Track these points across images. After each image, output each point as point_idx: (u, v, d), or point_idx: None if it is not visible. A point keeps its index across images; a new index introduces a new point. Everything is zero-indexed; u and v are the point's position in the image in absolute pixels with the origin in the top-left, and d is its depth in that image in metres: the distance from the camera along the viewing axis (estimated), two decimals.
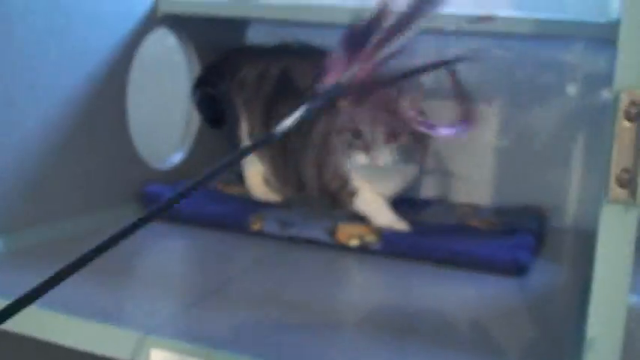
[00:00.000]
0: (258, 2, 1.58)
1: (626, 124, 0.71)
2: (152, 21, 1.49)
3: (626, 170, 0.71)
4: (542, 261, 1.35)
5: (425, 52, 1.59)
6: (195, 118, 1.68)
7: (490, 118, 1.70)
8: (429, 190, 1.73)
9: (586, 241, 1.45)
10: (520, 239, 1.36)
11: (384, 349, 0.93)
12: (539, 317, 1.07)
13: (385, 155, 1.34)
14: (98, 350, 0.95)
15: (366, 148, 1.34)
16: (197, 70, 1.65)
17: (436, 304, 1.11)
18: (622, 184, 0.71)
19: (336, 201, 1.46)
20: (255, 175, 1.61)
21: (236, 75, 1.59)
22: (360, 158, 1.35)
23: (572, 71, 1.63)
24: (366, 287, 1.22)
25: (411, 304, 1.11)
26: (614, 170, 0.72)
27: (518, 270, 1.25)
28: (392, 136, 1.33)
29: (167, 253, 1.32)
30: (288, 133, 1.48)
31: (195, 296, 1.08)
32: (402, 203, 1.58)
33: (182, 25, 1.59)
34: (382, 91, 1.05)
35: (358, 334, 0.98)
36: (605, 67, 1.59)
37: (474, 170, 1.71)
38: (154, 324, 0.95)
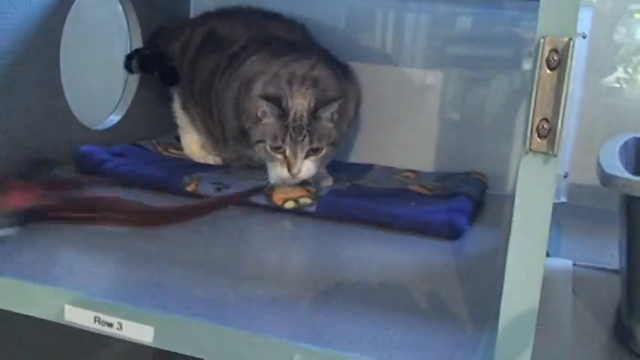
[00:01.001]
0: None
1: (547, 72, 0.70)
2: None
3: (545, 120, 0.70)
4: (478, 226, 1.34)
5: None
6: (133, 80, 1.64)
7: (434, 86, 1.69)
8: (371, 156, 1.72)
9: None
10: (457, 203, 1.35)
11: (307, 308, 0.91)
12: (470, 278, 1.07)
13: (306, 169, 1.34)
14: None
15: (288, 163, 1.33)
16: (137, 32, 1.61)
17: (368, 265, 1.10)
18: (541, 134, 0.70)
19: None
20: (193, 142, 1.61)
21: (166, 51, 1.60)
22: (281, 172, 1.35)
23: (512, 38, 1.63)
24: (297, 249, 1.20)
25: (342, 265, 1.10)
26: (534, 120, 0.71)
27: (453, 234, 1.25)
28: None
29: None
30: (211, 103, 1.50)
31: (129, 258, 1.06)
32: (342, 167, 1.57)
33: None
34: None
35: (282, 292, 0.96)
36: None
37: (416, 138, 1.70)
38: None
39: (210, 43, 1.55)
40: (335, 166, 1.52)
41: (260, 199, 1.32)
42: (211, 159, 1.57)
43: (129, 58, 1.61)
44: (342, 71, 1.48)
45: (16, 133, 1.33)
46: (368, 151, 1.72)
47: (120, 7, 1.61)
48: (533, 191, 0.71)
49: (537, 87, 0.70)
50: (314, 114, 1.31)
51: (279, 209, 1.31)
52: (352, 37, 1.74)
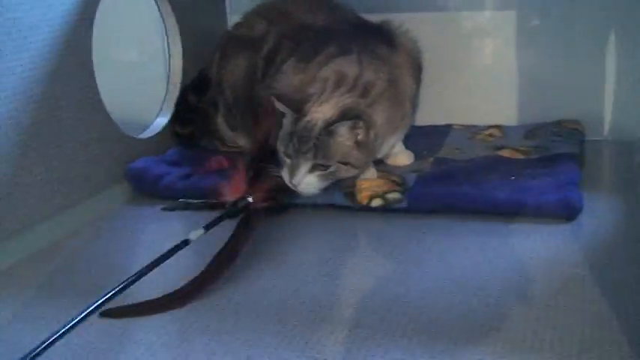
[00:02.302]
0: None
1: None
2: None
3: None
4: (589, 191, 1.16)
5: None
6: (177, 73, 1.48)
7: (508, 28, 1.50)
8: (447, 115, 1.54)
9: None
10: (564, 172, 1.19)
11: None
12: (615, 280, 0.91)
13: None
14: None
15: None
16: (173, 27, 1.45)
17: (490, 272, 0.95)
18: None
19: None
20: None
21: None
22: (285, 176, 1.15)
23: None
24: (406, 255, 1.04)
25: (459, 278, 0.94)
26: None
27: (570, 214, 1.09)
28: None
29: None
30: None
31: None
32: (417, 131, 1.40)
33: None
34: None
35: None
36: None
37: (495, 88, 1.52)
38: None
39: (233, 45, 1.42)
40: (412, 132, 1.35)
41: (340, 199, 1.17)
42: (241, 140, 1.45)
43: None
44: (389, 44, 1.29)
45: (61, 161, 1.19)
46: (444, 111, 1.54)
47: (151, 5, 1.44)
48: None
49: None
50: (326, 127, 1.12)
51: (364, 209, 1.16)
52: None
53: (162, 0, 1.44)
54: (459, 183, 1.17)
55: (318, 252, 1.07)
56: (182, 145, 1.44)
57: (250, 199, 1.06)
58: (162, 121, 1.45)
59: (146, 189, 1.28)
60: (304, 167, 1.12)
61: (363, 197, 1.16)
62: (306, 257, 1.05)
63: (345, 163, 1.14)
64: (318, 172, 1.13)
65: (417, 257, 1.01)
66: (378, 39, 1.29)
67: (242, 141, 1.45)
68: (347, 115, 1.12)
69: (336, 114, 1.12)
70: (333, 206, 1.18)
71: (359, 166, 1.16)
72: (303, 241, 1.11)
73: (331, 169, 1.13)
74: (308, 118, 1.13)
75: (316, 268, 1.00)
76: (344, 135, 1.13)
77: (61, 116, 1.18)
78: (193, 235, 0.98)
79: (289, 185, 1.13)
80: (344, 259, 1.04)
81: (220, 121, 1.47)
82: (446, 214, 1.13)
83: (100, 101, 1.26)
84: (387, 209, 1.15)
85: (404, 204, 1.15)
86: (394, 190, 1.17)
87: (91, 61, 1.24)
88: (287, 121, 1.15)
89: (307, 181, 1.13)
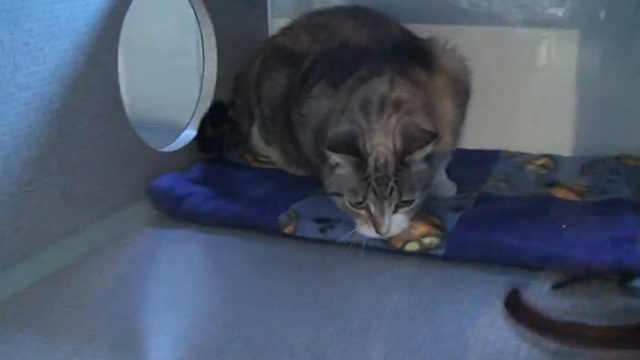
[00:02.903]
0: None
1: None
2: None
3: None
4: None
5: None
6: (211, 81, 1.39)
7: (569, 49, 1.38)
8: (497, 140, 1.43)
9: None
10: (621, 225, 1.08)
11: None
12: None
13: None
14: None
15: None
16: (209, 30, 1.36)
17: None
18: None
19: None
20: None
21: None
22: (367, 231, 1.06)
23: None
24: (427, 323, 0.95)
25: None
26: None
27: (623, 277, 0.98)
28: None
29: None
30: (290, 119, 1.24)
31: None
32: (463, 156, 1.30)
33: None
34: None
35: None
36: None
37: (550, 114, 1.40)
38: None
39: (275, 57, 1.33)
40: (456, 157, 1.25)
41: (373, 240, 1.07)
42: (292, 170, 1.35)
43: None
44: (428, 66, 1.18)
45: (85, 176, 1.13)
46: (492, 134, 1.43)
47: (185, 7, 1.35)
48: None
49: None
50: (402, 160, 1.03)
51: (398, 252, 1.07)
52: None
53: (197, 1, 1.35)
54: (505, 230, 1.07)
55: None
56: (208, 160, 1.36)
57: None
58: (191, 133, 1.36)
59: (168, 209, 1.21)
60: (389, 210, 1.03)
61: (397, 240, 1.07)
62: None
63: (425, 188, 1.05)
64: (403, 209, 1.04)
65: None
66: (416, 61, 1.19)
67: (275, 156, 1.36)
68: (412, 137, 1.03)
69: (399, 141, 1.03)
70: (364, 247, 1.08)
71: (432, 182, 1.09)
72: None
73: (417, 201, 1.05)
74: (373, 156, 1.03)
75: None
76: (419, 159, 1.04)
77: (80, 131, 1.10)
78: None
79: (375, 236, 1.04)
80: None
81: (255, 132, 1.39)
82: (487, 265, 1.03)
83: (122, 115, 1.18)
84: (423, 254, 1.06)
85: (441, 251, 1.05)
86: (432, 235, 1.07)
87: (115, 72, 1.16)
88: (348, 170, 1.05)
89: (397, 223, 1.04)
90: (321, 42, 1.29)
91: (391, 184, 1.02)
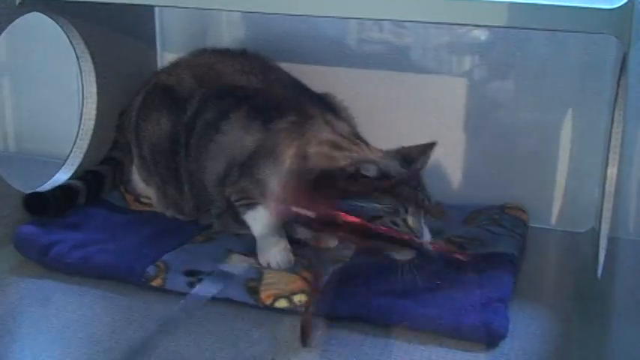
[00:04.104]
0: None
1: None
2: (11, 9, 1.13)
3: None
4: (522, 298, 1.06)
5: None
6: (90, 119, 1.34)
7: (458, 96, 1.38)
8: None
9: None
10: (495, 286, 1.06)
11: None
12: None
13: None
14: None
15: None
16: (87, 57, 1.30)
17: None
18: None
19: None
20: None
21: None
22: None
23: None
24: None
25: None
26: None
27: (491, 340, 0.97)
28: None
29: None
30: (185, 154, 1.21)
31: None
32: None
33: (58, 9, 1.23)
34: None
35: None
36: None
37: (438, 161, 1.40)
38: None
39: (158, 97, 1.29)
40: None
41: (240, 294, 1.04)
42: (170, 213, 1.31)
43: None
44: (336, 116, 1.21)
45: None
46: None
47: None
48: None
49: None
50: (412, 164, 1.09)
51: (267, 309, 1.04)
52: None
53: (72, 33, 1.29)
54: (377, 287, 1.05)
55: None
56: (82, 203, 1.30)
57: None
58: (62, 177, 1.30)
59: (34, 258, 1.15)
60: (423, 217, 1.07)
61: (266, 297, 1.04)
62: None
63: None
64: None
65: None
66: (326, 108, 1.22)
67: (153, 197, 1.32)
68: (404, 156, 1.11)
69: (398, 156, 1.10)
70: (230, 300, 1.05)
71: None
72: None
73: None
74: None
75: None
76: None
77: None
78: None
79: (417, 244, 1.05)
80: None
81: (134, 172, 1.34)
82: (356, 324, 1.01)
83: None
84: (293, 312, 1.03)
85: (312, 308, 1.02)
86: (303, 291, 1.04)
87: None
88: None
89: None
90: (206, 86, 1.26)
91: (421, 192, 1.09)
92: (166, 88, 1.29)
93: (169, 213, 1.30)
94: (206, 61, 1.32)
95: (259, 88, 1.24)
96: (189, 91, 1.26)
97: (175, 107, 1.26)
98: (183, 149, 1.24)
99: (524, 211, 1.32)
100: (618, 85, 1.11)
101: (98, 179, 1.33)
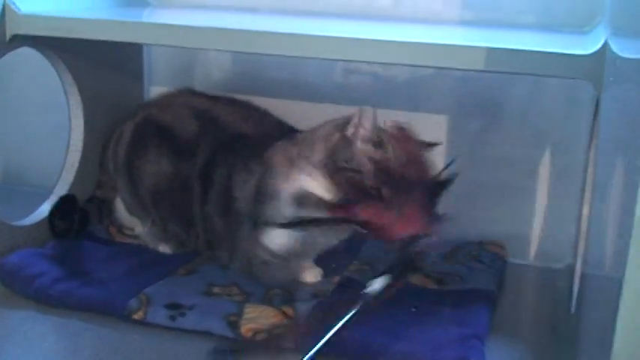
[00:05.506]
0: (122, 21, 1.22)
1: None
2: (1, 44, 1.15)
3: None
4: (498, 336, 1.08)
5: None
6: (77, 150, 1.36)
7: (438, 133, 1.41)
8: None
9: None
10: (471, 323, 1.08)
11: None
12: None
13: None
14: None
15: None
16: (74, 90, 1.32)
17: None
18: None
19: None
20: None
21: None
22: None
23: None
24: None
25: None
26: None
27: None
28: None
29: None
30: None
31: None
32: None
33: (47, 44, 1.25)
34: None
35: None
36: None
37: None
38: None
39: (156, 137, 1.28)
40: None
41: (220, 328, 1.06)
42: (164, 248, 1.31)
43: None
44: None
45: None
46: None
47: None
48: None
49: None
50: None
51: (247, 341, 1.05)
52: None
53: (61, 67, 1.31)
54: (352, 324, 1.06)
55: None
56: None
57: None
58: (48, 208, 1.32)
59: (18, 290, 1.16)
60: None
61: (246, 330, 1.05)
62: None
63: None
64: None
65: None
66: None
67: (139, 229, 1.33)
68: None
69: None
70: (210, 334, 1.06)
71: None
72: None
73: None
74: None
75: None
76: None
77: None
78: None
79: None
80: None
81: (119, 203, 1.35)
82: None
83: None
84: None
85: (289, 343, 1.03)
86: (282, 326, 1.06)
87: None
88: None
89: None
90: (211, 132, 1.25)
91: None
92: (163, 127, 1.28)
93: (163, 248, 1.30)
94: (204, 105, 1.31)
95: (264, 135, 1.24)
96: (194, 137, 1.25)
97: (179, 150, 1.25)
98: (198, 196, 1.23)
99: (502, 247, 1.35)
100: (593, 127, 1.14)
101: (83, 217, 1.34)
